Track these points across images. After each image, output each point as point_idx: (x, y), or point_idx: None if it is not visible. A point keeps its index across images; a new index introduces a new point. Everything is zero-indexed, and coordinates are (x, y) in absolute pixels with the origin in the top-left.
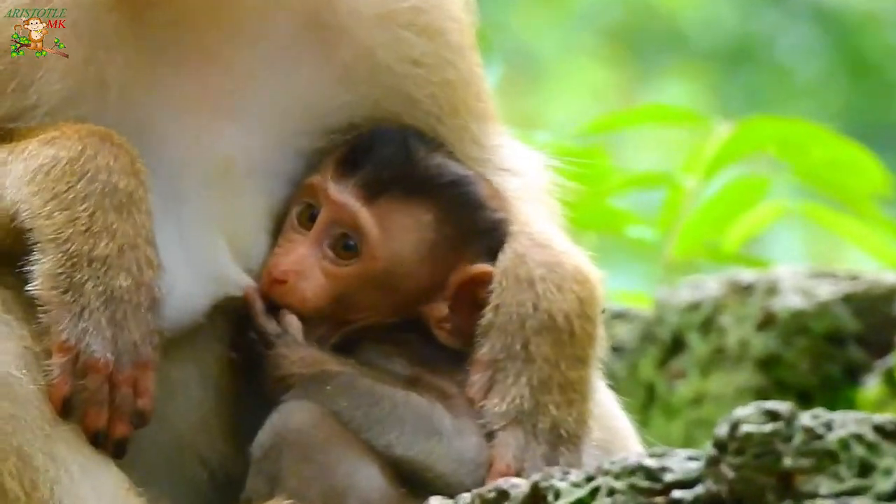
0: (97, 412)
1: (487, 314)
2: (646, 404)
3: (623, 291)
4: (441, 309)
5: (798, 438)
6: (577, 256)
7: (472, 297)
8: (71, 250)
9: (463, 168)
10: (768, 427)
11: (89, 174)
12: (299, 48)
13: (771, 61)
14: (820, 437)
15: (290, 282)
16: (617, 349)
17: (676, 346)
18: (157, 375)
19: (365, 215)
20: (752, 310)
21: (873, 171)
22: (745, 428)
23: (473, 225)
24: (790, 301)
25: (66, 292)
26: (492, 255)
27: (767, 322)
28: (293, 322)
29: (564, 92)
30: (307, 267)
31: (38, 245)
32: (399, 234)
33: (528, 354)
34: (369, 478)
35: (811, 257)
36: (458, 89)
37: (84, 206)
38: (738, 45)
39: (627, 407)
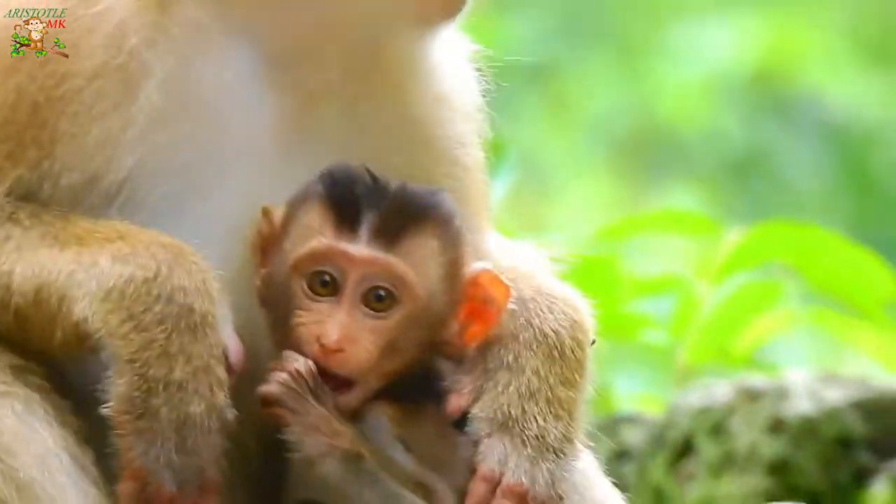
0: None
1: None
2: None
3: (636, 395)
4: (455, 325)
5: None
6: (564, 287)
7: (479, 298)
8: (148, 374)
9: (424, 185)
10: None
11: (166, 296)
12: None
13: (776, 175)
14: None
15: (346, 349)
16: (627, 453)
17: (686, 449)
18: None
19: (397, 262)
20: (762, 414)
21: (884, 278)
22: None
23: (461, 234)
24: (800, 406)
25: (140, 418)
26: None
27: (777, 426)
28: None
29: (572, 203)
30: (354, 330)
31: (114, 366)
32: (425, 267)
33: (519, 365)
34: None
35: (818, 362)
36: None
37: (161, 328)
38: (744, 158)
39: None
